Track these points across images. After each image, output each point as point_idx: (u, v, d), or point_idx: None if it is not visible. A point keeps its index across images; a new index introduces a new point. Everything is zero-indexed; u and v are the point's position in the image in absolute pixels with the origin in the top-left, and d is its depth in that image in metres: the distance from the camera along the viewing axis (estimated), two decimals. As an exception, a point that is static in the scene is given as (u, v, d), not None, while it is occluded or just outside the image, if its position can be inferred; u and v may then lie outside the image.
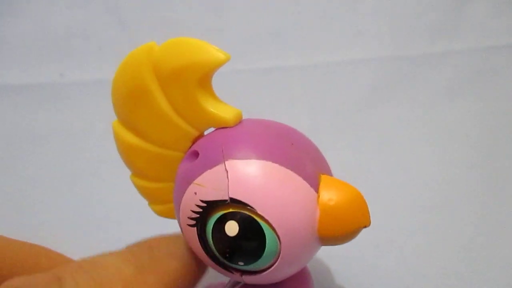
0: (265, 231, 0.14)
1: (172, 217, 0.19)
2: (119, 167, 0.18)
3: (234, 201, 0.14)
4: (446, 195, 0.29)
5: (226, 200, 0.14)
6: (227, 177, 0.14)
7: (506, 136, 0.33)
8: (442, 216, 0.27)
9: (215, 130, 0.16)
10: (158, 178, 0.18)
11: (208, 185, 0.15)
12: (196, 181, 0.15)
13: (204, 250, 0.16)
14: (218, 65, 0.15)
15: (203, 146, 0.16)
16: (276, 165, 0.15)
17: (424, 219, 0.26)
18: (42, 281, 0.13)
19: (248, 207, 0.14)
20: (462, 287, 0.21)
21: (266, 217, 0.14)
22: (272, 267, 0.15)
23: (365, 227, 0.15)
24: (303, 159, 0.15)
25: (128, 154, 0.17)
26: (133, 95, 0.16)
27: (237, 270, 0.16)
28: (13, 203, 0.30)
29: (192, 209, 0.15)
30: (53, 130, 0.34)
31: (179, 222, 0.16)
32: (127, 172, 0.18)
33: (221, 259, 0.15)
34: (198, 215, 0.15)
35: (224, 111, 0.16)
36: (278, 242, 0.14)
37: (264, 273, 0.15)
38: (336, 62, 0.39)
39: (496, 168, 0.30)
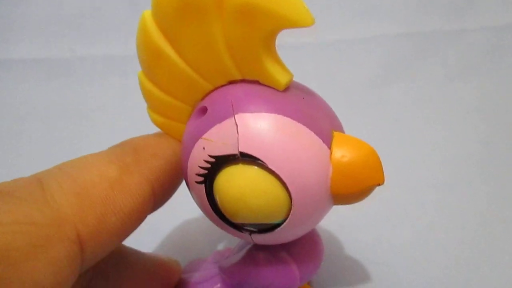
0: (276, 189, 0.14)
1: (168, 134, 0.17)
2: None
3: (244, 156, 0.14)
4: (460, 171, 0.28)
5: (235, 155, 0.14)
6: (237, 131, 0.14)
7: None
8: (455, 192, 0.26)
9: (224, 85, 0.15)
10: (169, 90, 0.16)
11: (217, 140, 0.14)
12: (204, 136, 0.15)
13: (212, 208, 0.15)
14: (302, 25, 0.12)
15: (211, 101, 0.15)
16: (287, 119, 0.14)
17: (436, 195, 0.26)
18: (24, 183, 0.13)
19: (259, 162, 0.14)
20: (472, 261, 0.20)
21: (277, 172, 0.14)
22: (283, 225, 0.15)
23: (379, 185, 0.15)
24: (315, 114, 0.15)
25: (149, 99, 0.17)
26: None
27: (246, 229, 0.15)
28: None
29: (201, 165, 0.15)
30: (63, 105, 0.34)
31: (186, 180, 0.16)
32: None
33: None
34: (206, 171, 0.15)
35: (279, 73, 0.14)
36: (289, 199, 0.14)
37: (274, 231, 0.15)
38: (349, 40, 0.38)
39: (510, 145, 0.30)
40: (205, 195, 0.15)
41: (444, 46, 0.38)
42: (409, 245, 0.22)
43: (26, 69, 0.36)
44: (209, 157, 0.14)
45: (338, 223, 0.22)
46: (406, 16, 0.39)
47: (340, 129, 0.16)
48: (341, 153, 0.14)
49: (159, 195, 0.16)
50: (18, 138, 0.33)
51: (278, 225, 0.15)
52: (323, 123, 0.15)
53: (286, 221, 0.14)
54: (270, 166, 0.14)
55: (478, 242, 0.22)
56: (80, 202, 0.13)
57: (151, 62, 0.15)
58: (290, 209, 0.14)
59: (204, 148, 0.15)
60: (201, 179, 0.15)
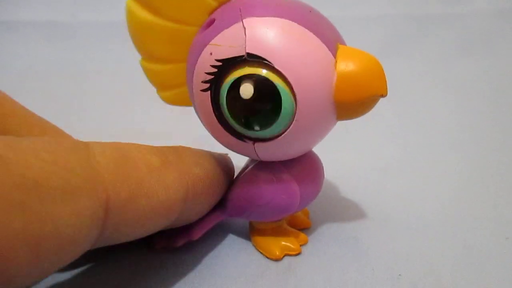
0: (281, 92, 0.14)
1: (180, 104, 0.18)
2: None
3: (251, 56, 0.14)
4: (454, 135, 0.29)
5: (242, 56, 0.14)
6: (245, 34, 0.14)
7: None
8: (449, 155, 0.26)
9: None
10: (170, 58, 0.17)
11: (225, 44, 0.15)
12: (212, 42, 0.15)
13: (217, 117, 0.15)
14: None
15: (219, 12, 0.16)
16: (295, 24, 0.14)
17: (433, 158, 0.26)
18: (72, 140, 0.13)
19: (266, 62, 0.14)
20: (465, 215, 0.21)
21: (284, 73, 0.14)
22: (287, 132, 0.15)
23: (382, 96, 0.15)
24: (321, 24, 0.15)
25: (141, 34, 0.17)
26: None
27: (250, 138, 0.15)
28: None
29: (207, 71, 0.15)
30: (63, 67, 0.34)
31: (191, 95, 0.16)
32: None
33: (235, 125, 0.15)
34: (212, 76, 0.15)
35: None
36: (294, 102, 0.14)
37: (278, 139, 0.15)
38: (351, 18, 0.39)
39: (506, 116, 0.30)
40: (210, 103, 0.15)
41: (443, 28, 0.39)
42: (405, 191, 0.22)
43: (28, 31, 0.36)
44: (216, 62, 0.15)
45: (337, 171, 0.22)
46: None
47: (344, 44, 0.16)
48: (345, 62, 0.15)
49: (190, 204, 0.16)
50: (18, 97, 0.33)
51: (283, 131, 0.15)
52: (328, 33, 0.15)
53: (291, 127, 0.15)
54: (276, 67, 0.14)
55: (471, 197, 0.22)
56: (118, 171, 0.13)
57: (142, 38, 0.17)
58: (295, 112, 0.14)
59: (211, 54, 0.15)
60: (206, 85, 0.15)
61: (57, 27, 0.36)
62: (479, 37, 0.38)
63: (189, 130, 0.21)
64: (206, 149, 0.18)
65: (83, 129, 0.22)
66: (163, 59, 0.17)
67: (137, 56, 0.17)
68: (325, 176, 0.18)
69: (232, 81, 0.14)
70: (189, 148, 0.17)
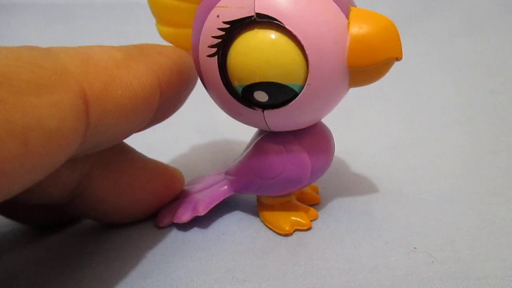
0: (293, 52, 0.13)
1: (177, 45, 0.17)
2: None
3: (261, 17, 0.13)
4: (463, 112, 0.28)
5: (252, 17, 0.14)
6: (254, -7, 0.13)
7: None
8: (458, 131, 0.26)
9: None
10: None
11: (233, 5, 0.14)
12: (219, 4, 0.14)
13: (225, 85, 0.15)
14: None
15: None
16: (305, -17, 0.14)
17: (441, 134, 0.26)
18: (30, 45, 0.13)
19: (276, 22, 0.13)
20: (477, 187, 0.20)
21: (295, 33, 0.13)
22: (298, 96, 0.14)
23: (397, 59, 0.14)
24: (333, -15, 0.14)
25: None
26: None
27: (259, 106, 0.15)
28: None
29: (214, 35, 0.14)
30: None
31: (196, 63, 0.15)
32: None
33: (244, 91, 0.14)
34: (220, 40, 0.14)
35: None
36: (306, 64, 0.14)
37: (289, 105, 0.14)
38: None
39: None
40: (217, 69, 0.15)
41: (449, 6, 0.38)
42: (415, 166, 0.22)
43: (25, 13, 0.36)
44: (223, 24, 0.14)
45: (347, 148, 0.22)
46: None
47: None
48: (359, 24, 0.14)
49: (166, 93, 0.15)
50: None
51: (293, 97, 0.14)
52: (340, -5, 0.14)
53: (303, 90, 0.14)
54: (287, 27, 0.13)
55: (474, 171, 0.22)
56: (85, 66, 0.13)
57: None
58: (306, 75, 0.14)
59: (218, 16, 0.14)
60: (213, 50, 0.14)
61: (57, 8, 0.36)
62: (485, 15, 0.37)
63: (191, 116, 0.21)
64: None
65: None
66: None
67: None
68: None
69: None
70: (149, 43, 0.16)
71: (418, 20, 0.37)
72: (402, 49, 0.14)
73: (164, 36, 0.17)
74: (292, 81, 0.14)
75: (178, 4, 0.16)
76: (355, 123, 0.26)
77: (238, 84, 0.14)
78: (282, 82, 0.14)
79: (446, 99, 0.30)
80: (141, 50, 0.15)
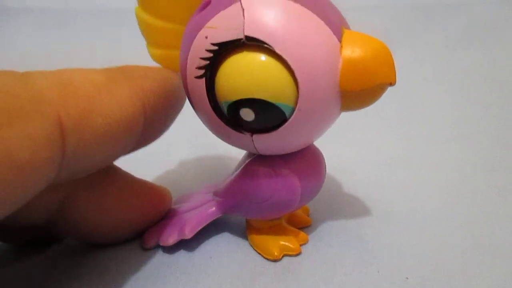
0: (283, 76, 0.13)
1: (167, 66, 0.17)
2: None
3: (250, 40, 0.13)
4: (457, 126, 0.28)
5: (240, 39, 0.13)
6: (243, 15, 0.13)
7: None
8: (454, 148, 0.25)
9: None
10: (169, 16, 0.16)
11: (221, 26, 0.13)
12: (207, 24, 0.14)
13: (212, 107, 0.14)
14: None
15: (216, -7, 0.14)
16: (297, 5, 0.13)
17: (438, 151, 0.25)
18: (6, 70, 0.12)
19: (265, 46, 0.13)
20: (469, 199, 0.20)
21: (285, 57, 0.13)
22: (288, 122, 0.14)
23: (390, 84, 0.14)
24: (326, 7, 0.14)
25: None
26: None
27: (247, 129, 0.14)
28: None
29: (202, 56, 0.14)
30: (55, 54, 0.33)
31: (184, 84, 0.15)
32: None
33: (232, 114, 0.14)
34: (208, 62, 0.14)
35: None
36: (296, 87, 0.13)
37: (278, 130, 0.14)
38: (350, 6, 0.38)
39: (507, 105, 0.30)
40: (205, 91, 0.14)
41: (444, 18, 0.38)
42: (410, 186, 0.21)
43: (20, 18, 0.35)
44: (211, 46, 0.13)
45: (339, 166, 0.21)
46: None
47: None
48: (351, 48, 0.14)
49: (151, 117, 0.15)
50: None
51: (283, 122, 0.14)
52: (333, 17, 0.14)
53: (292, 115, 0.13)
54: (277, 51, 0.13)
55: (474, 188, 0.21)
56: (63, 92, 0.12)
57: None
58: (296, 97, 0.13)
59: (206, 37, 0.14)
60: (201, 72, 0.14)
61: (50, 14, 0.35)
62: (484, 27, 0.37)
63: (183, 129, 0.20)
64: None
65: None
66: (162, 14, 0.16)
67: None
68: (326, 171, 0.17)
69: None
70: (134, 65, 0.16)
71: (416, 31, 0.37)
72: (396, 75, 0.14)
73: (154, 58, 0.17)
74: (280, 101, 0.13)
75: (166, 25, 0.16)
76: (349, 140, 0.25)
77: (223, 101, 0.14)
78: (270, 100, 0.13)
79: (442, 113, 0.29)
80: (124, 73, 0.15)
